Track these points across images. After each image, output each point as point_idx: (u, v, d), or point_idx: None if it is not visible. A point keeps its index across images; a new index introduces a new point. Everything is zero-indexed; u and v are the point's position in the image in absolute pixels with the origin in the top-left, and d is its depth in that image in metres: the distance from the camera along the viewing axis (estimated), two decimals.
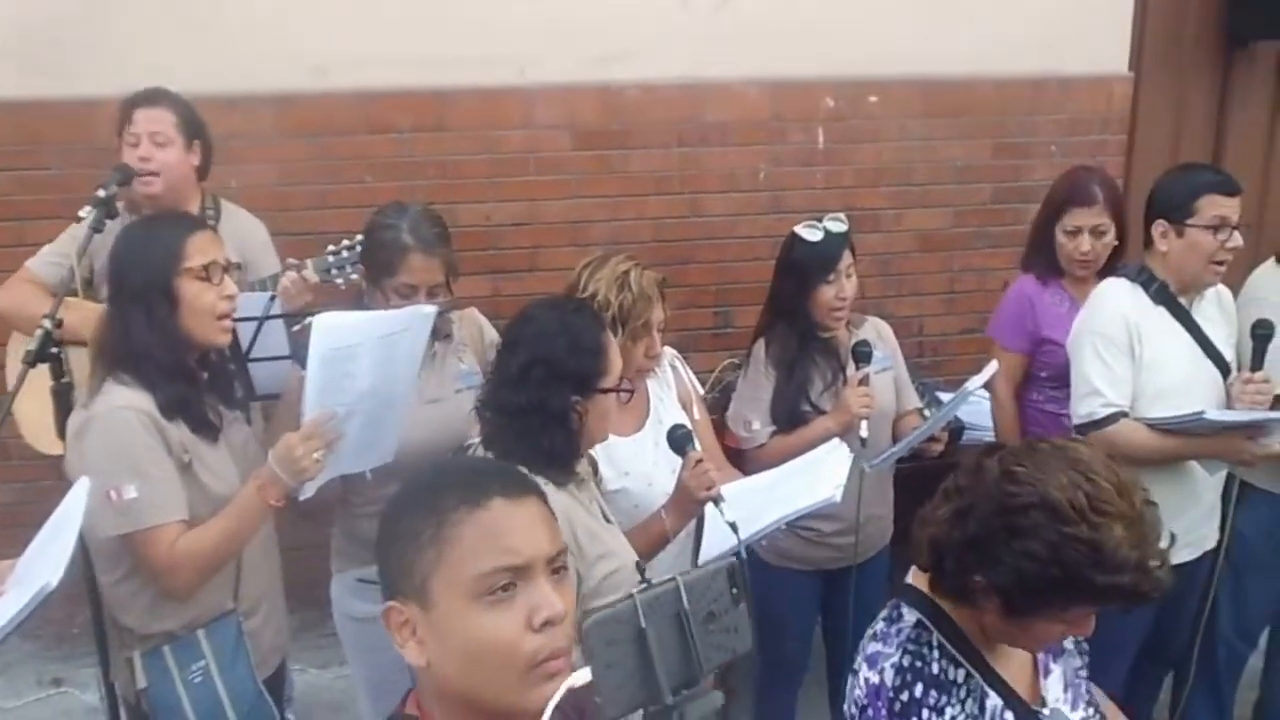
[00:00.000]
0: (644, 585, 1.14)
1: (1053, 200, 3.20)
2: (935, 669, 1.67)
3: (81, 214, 2.75)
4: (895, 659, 1.68)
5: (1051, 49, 4.10)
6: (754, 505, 2.40)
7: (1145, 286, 2.80)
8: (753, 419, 2.93)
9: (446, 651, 1.21)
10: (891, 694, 1.65)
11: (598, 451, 2.43)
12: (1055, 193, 3.21)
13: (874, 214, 4.10)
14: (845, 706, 1.75)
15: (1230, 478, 2.96)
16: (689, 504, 2.30)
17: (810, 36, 3.90)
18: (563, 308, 2.13)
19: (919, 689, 1.65)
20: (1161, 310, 2.80)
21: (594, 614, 1.12)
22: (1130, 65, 4.24)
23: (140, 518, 2.09)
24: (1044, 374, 3.19)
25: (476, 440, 2.14)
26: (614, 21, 3.78)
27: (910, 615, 1.73)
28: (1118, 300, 2.80)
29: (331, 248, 2.84)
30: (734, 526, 2.20)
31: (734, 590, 1.44)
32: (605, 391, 2.09)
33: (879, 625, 1.77)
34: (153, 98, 3.00)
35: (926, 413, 3.18)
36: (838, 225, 2.89)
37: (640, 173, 3.91)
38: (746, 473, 2.79)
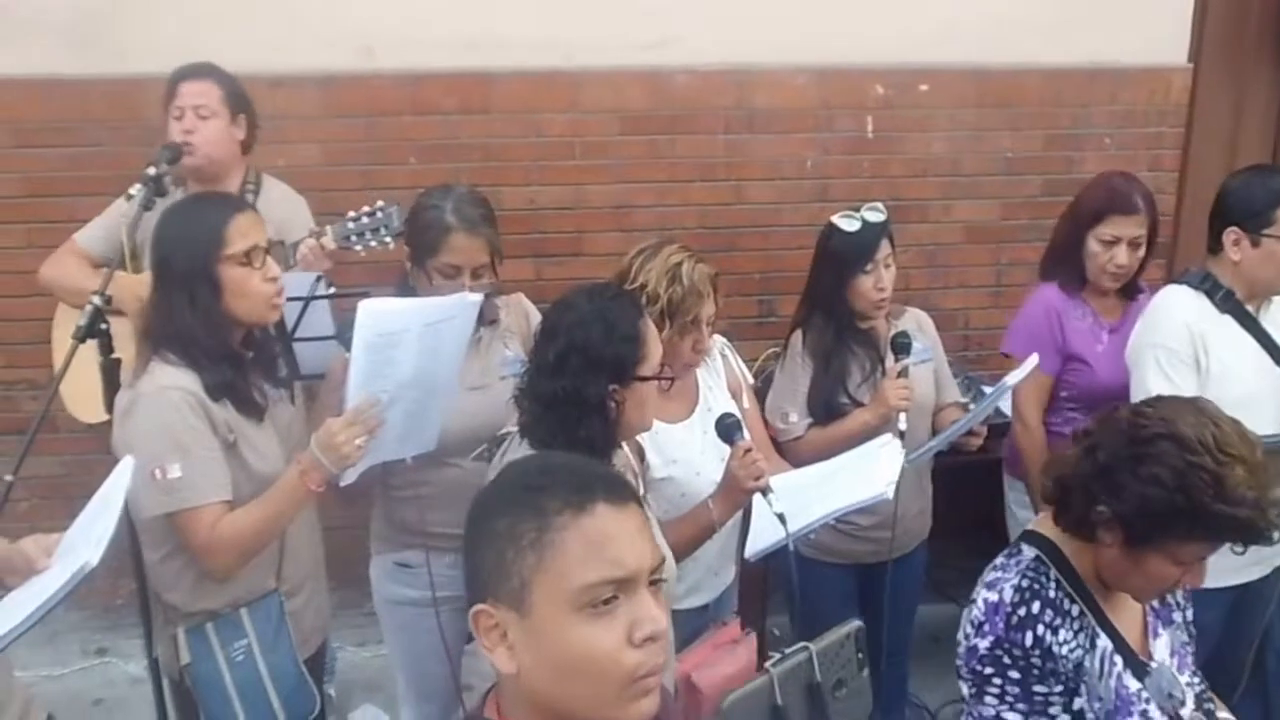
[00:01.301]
0: (777, 657, 1.12)
1: (1087, 206, 2.99)
2: (1052, 594, 1.78)
3: (132, 191, 2.78)
4: (1014, 581, 1.80)
5: (1108, 38, 4.01)
6: (803, 498, 2.37)
7: (1210, 294, 2.70)
8: (790, 411, 2.89)
9: (541, 661, 1.16)
10: (1010, 609, 1.76)
11: (645, 439, 2.42)
12: (1090, 198, 3.00)
13: (922, 204, 4.05)
14: (958, 635, 1.86)
15: None
16: (737, 494, 2.27)
17: (860, 24, 3.85)
18: (600, 295, 2.10)
19: (1036, 606, 1.76)
20: (1227, 318, 2.69)
21: (731, 693, 1.10)
22: (1190, 56, 4.15)
23: (183, 497, 2.11)
24: (1064, 394, 3.05)
25: (514, 428, 2.14)
26: (663, 6, 3.75)
27: (1030, 551, 1.85)
28: (1181, 310, 2.69)
29: (352, 214, 2.85)
30: (782, 518, 2.17)
31: (860, 655, 1.45)
32: (644, 380, 2.06)
33: (999, 560, 1.89)
34: (197, 71, 3.03)
35: (970, 406, 3.13)
36: (875, 215, 2.83)
37: (686, 159, 3.89)
38: (786, 465, 2.76)
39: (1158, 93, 4.11)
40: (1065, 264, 3.05)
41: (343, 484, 2.21)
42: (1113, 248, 2.94)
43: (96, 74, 3.56)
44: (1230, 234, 2.68)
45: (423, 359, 2.18)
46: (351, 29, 3.63)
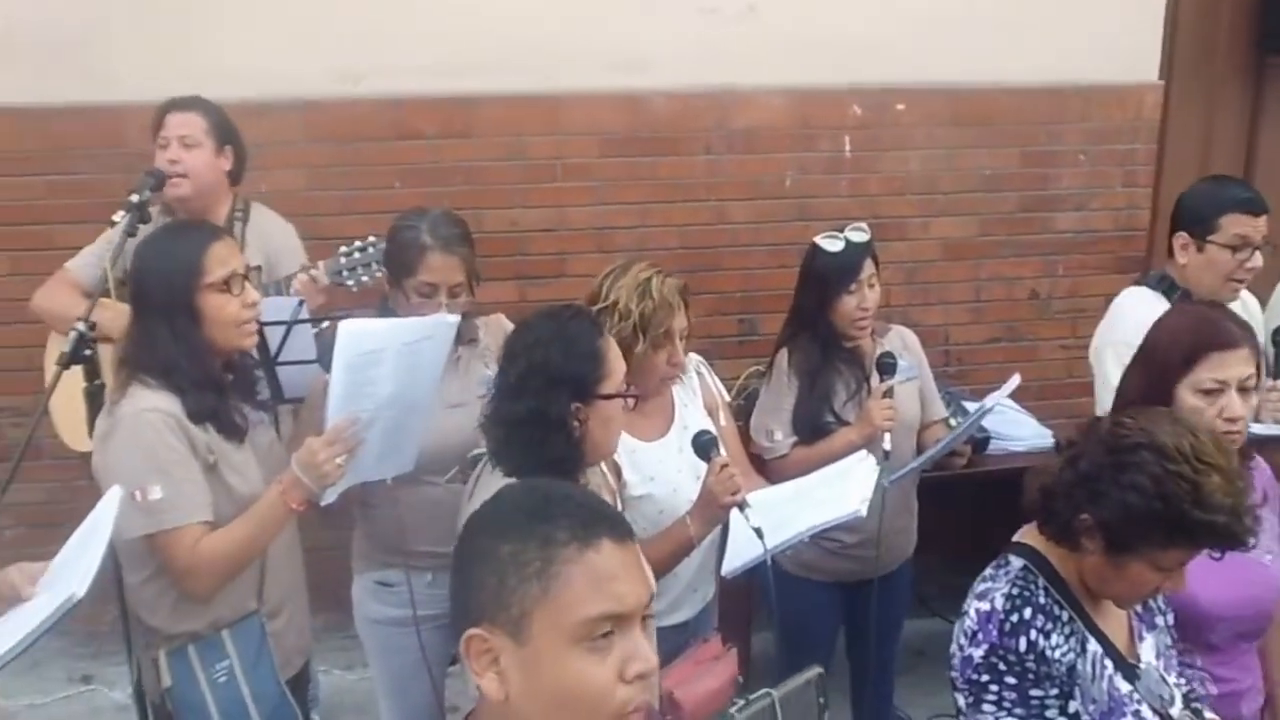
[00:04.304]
0: (740, 703, 1.12)
1: (1172, 347, 2.10)
2: (1042, 600, 1.81)
3: (115, 218, 2.81)
4: (1005, 590, 1.82)
5: (1082, 57, 4.07)
6: (779, 514, 2.38)
7: (1167, 295, 2.76)
8: (775, 429, 2.91)
9: (532, 691, 1.16)
10: (1002, 616, 1.79)
11: (621, 457, 2.44)
12: (1172, 339, 2.12)
13: (900, 222, 4.09)
14: (951, 648, 1.87)
15: None
16: (714, 509, 2.28)
17: (837, 44, 3.90)
18: (558, 315, 2.12)
19: (1028, 612, 1.79)
20: None
21: None
22: (1161, 74, 4.21)
23: (164, 519, 2.12)
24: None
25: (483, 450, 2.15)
26: (642, 29, 3.80)
27: (1017, 561, 1.87)
28: (1137, 307, 2.73)
29: (344, 249, 2.87)
30: (759, 532, 2.20)
31: (821, 700, 1.46)
32: (607, 398, 2.08)
33: (987, 571, 1.91)
34: (185, 103, 3.06)
35: (953, 422, 3.15)
36: (859, 235, 2.86)
37: (667, 179, 3.93)
38: (769, 483, 2.77)
39: (1130, 110, 4.17)
40: None
41: (323, 504, 2.22)
42: (1218, 398, 2.06)
43: (76, 102, 3.58)
44: (1179, 238, 2.76)
45: (401, 378, 2.19)
46: (334, 55, 3.66)
